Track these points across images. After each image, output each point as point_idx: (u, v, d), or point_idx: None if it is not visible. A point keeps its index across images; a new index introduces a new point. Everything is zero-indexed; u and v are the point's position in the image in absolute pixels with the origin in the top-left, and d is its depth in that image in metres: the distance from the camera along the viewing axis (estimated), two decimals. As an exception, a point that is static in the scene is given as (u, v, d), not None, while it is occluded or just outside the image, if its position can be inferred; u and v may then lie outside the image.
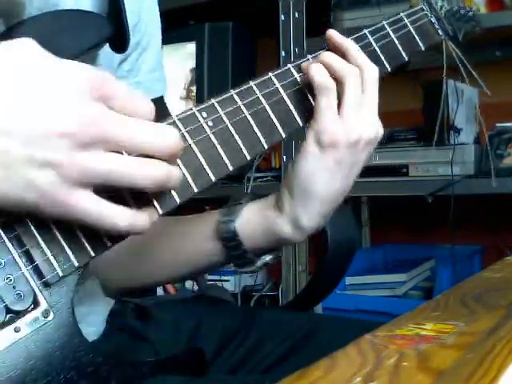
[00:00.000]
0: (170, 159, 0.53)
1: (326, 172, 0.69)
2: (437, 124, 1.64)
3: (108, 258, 0.76)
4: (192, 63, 2.02)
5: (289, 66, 0.71)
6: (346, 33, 0.75)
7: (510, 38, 1.74)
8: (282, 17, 1.86)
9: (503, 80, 1.95)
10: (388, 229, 2.20)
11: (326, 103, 0.68)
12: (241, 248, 0.73)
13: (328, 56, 0.70)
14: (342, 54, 0.71)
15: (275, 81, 0.69)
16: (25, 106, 0.48)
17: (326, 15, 1.89)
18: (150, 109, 0.53)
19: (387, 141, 1.80)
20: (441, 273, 1.80)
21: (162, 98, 0.85)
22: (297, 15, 1.84)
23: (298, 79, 0.71)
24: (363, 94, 0.69)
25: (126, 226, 0.52)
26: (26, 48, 0.50)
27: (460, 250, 1.79)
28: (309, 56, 0.73)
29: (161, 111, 0.84)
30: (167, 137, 0.53)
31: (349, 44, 0.72)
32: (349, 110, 0.68)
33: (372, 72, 0.70)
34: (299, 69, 0.72)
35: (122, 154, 0.52)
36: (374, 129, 0.70)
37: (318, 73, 0.68)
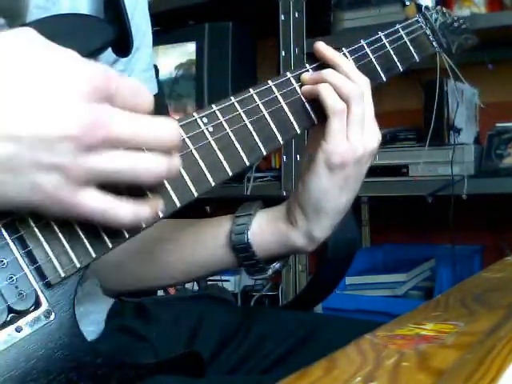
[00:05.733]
0: (169, 150, 0.54)
1: (336, 189, 0.72)
2: (432, 124, 1.65)
3: (111, 261, 0.76)
4: (179, 60, 2.02)
5: (288, 75, 0.72)
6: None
7: (510, 38, 1.74)
8: (282, 17, 1.86)
9: (503, 80, 1.95)
10: (388, 229, 2.20)
11: (338, 125, 0.70)
12: (253, 258, 0.76)
13: (333, 76, 0.71)
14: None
15: (275, 90, 0.70)
16: (30, 110, 0.48)
17: (326, 15, 1.89)
18: (151, 100, 0.54)
19: (387, 141, 1.80)
20: (441, 273, 1.80)
21: (160, 95, 0.85)
22: (297, 15, 1.84)
23: (297, 88, 0.72)
24: (364, 109, 0.71)
25: (129, 220, 0.53)
26: (26, 39, 0.50)
27: (460, 250, 1.79)
28: (308, 66, 0.74)
29: (161, 109, 0.85)
30: (169, 131, 0.53)
31: (339, 60, 0.73)
32: (355, 128, 0.70)
33: (367, 85, 0.72)
34: (298, 79, 0.73)
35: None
36: (376, 139, 0.72)
37: (331, 96, 0.70)
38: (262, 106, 0.69)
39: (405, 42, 0.83)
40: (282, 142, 0.70)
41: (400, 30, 0.83)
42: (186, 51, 2.02)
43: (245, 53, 2.04)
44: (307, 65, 0.74)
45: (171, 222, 0.79)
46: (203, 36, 1.98)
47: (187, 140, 0.61)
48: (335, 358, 0.43)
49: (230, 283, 2.04)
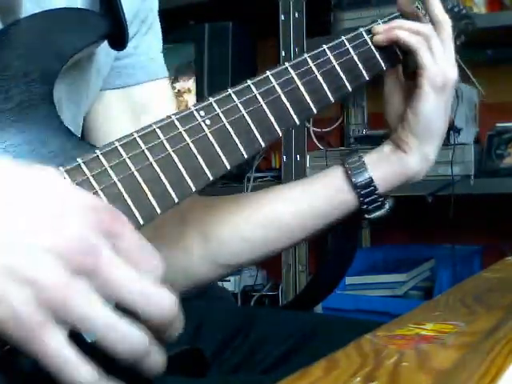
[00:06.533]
0: (159, 329, 0.46)
1: (441, 110, 0.79)
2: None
3: (228, 237, 0.80)
4: (176, 60, 2.02)
5: (286, 65, 0.72)
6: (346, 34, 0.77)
7: (510, 38, 1.74)
8: (282, 17, 1.86)
9: (503, 80, 1.94)
10: (388, 229, 2.20)
11: (428, 54, 0.78)
12: (374, 193, 0.80)
13: (407, 22, 0.80)
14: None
15: (272, 79, 0.70)
16: (16, 212, 0.43)
17: (326, 15, 1.89)
18: (158, 265, 0.46)
19: (387, 141, 1.79)
20: (441, 273, 1.80)
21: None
22: (297, 15, 1.84)
23: (295, 78, 0.72)
24: (443, 41, 0.79)
25: None
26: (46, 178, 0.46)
27: (460, 250, 1.79)
28: (379, 21, 0.81)
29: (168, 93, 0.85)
30: (168, 302, 0.45)
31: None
32: (442, 57, 0.78)
33: (443, 19, 0.80)
34: (296, 67, 0.72)
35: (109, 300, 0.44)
36: (456, 69, 0.80)
37: (408, 36, 0.79)
38: (259, 97, 0.68)
39: None
40: (280, 134, 0.69)
41: (400, 17, 0.83)
42: (185, 51, 2.02)
43: (245, 53, 2.04)
44: (379, 20, 0.81)
45: (276, 187, 0.84)
46: (203, 36, 1.98)
47: (184, 133, 0.60)
48: (335, 358, 0.43)
49: (230, 283, 2.04)
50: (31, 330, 0.42)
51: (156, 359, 0.46)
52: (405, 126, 0.80)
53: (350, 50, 0.76)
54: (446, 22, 0.80)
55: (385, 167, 0.81)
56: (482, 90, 1.22)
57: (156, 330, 0.45)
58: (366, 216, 0.82)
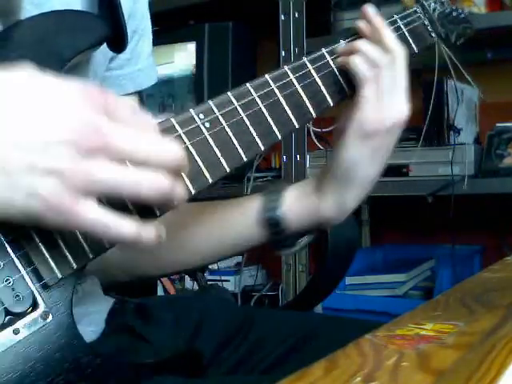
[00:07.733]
0: (174, 172, 0.53)
1: (366, 159, 0.72)
2: (430, 123, 1.64)
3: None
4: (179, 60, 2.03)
5: (285, 68, 0.72)
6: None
7: (510, 38, 1.74)
8: (282, 17, 1.86)
9: (503, 80, 1.95)
10: (388, 229, 2.20)
11: (369, 94, 0.71)
12: (284, 233, 0.76)
13: (364, 45, 0.72)
14: (373, 32, 0.74)
15: (271, 83, 0.69)
16: (27, 116, 0.49)
17: (326, 15, 1.89)
18: (154, 124, 0.54)
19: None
20: (441, 273, 1.80)
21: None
22: (297, 15, 1.84)
23: (294, 81, 0.71)
24: (394, 78, 0.72)
25: (131, 238, 0.52)
26: (26, 70, 0.51)
27: (460, 250, 1.79)
28: (342, 41, 0.75)
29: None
30: (171, 150, 0.53)
31: (381, 26, 0.74)
32: (385, 97, 0.71)
33: (402, 55, 0.73)
34: (295, 71, 0.72)
35: (125, 164, 0.52)
36: (405, 110, 0.73)
37: (362, 66, 0.71)
38: (258, 100, 0.68)
39: (403, 32, 0.80)
40: (279, 137, 0.69)
41: (398, 20, 0.80)
42: (185, 51, 2.02)
43: (245, 53, 2.04)
44: (341, 40, 0.75)
45: (197, 204, 0.81)
46: (203, 36, 1.98)
47: (183, 136, 0.60)
48: (335, 358, 0.43)
49: (230, 283, 2.04)
50: (67, 210, 0.49)
51: (180, 191, 0.54)
52: (326, 169, 0.75)
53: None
54: (398, 51, 0.72)
55: (300, 207, 0.76)
56: (480, 92, 1.23)
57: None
58: (276, 252, 0.79)
